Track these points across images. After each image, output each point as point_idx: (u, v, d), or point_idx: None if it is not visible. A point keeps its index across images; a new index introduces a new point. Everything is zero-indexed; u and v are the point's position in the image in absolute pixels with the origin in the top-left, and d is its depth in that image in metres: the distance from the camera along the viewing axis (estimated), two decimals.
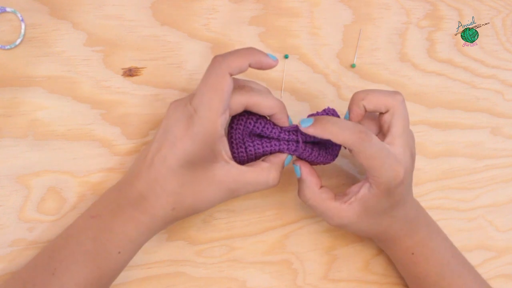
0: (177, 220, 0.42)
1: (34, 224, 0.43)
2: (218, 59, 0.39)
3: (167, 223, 0.42)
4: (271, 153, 0.44)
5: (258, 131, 0.43)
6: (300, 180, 0.45)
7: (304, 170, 0.45)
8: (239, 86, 0.42)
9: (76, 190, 0.44)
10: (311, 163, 0.46)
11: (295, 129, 0.44)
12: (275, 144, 0.44)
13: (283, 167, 0.44)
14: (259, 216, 0.50)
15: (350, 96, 0.54)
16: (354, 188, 0.45)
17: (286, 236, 0.51)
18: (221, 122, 0.39)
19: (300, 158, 0.46)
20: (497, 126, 0.62)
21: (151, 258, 0.46)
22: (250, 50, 0.40)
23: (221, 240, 0.49)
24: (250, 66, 0.40)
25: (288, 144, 0.44)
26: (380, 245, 0.51)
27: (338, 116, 0.45)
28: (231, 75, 0.39)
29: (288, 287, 0.51)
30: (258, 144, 0.43)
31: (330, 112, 0.45)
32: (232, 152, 0.43)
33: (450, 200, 0.58)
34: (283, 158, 0.44)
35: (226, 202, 0.49)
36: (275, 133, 0.44)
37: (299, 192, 0.46)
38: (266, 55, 0.40)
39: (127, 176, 0.42)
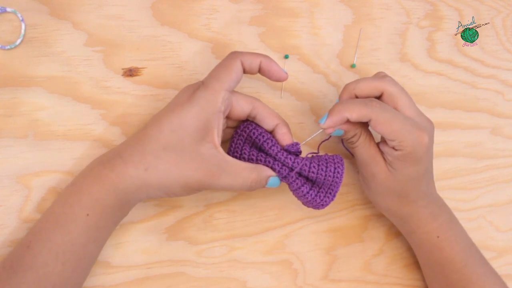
0: (147, 187, 0.40)
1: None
2: (234, 51, 0.43)
3: (137, 188, 0.39)
4: None
5: (259, 144, 0.44)
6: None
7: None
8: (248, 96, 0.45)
9: None
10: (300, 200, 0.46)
11: (296, 152, 0.44)
12: (268, 161, 0.44)
13: (265, 180, 0.43)
14: (259, 216, 0.50)
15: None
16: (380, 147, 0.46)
17: (286, 236, 0.51)
18: (224, 96, 0.41)
19: (290, 188, 0.45)
20: (497, 126, 0.62)
21: (151, 258, 0.46)
22: (264, 54, 0.43)
23: (221, 240, 0.49)
24: (260, 68, 0.42)
25: (281, 167, 0.43)
26: (404, 228, 0.51)
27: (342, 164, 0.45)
28: (242, 64, 0.41)
29: (288, 287, 0.51)
30: (253, 155, 0.44)
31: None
32: (228, 152, 0.45)
33: (450, 200, 0.58)
34: (269, 174, 0.43)
35: (226, 202, 0.49)
36: (273, 150, 0.44)
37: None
38: (278, 65, 0.43)
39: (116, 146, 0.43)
